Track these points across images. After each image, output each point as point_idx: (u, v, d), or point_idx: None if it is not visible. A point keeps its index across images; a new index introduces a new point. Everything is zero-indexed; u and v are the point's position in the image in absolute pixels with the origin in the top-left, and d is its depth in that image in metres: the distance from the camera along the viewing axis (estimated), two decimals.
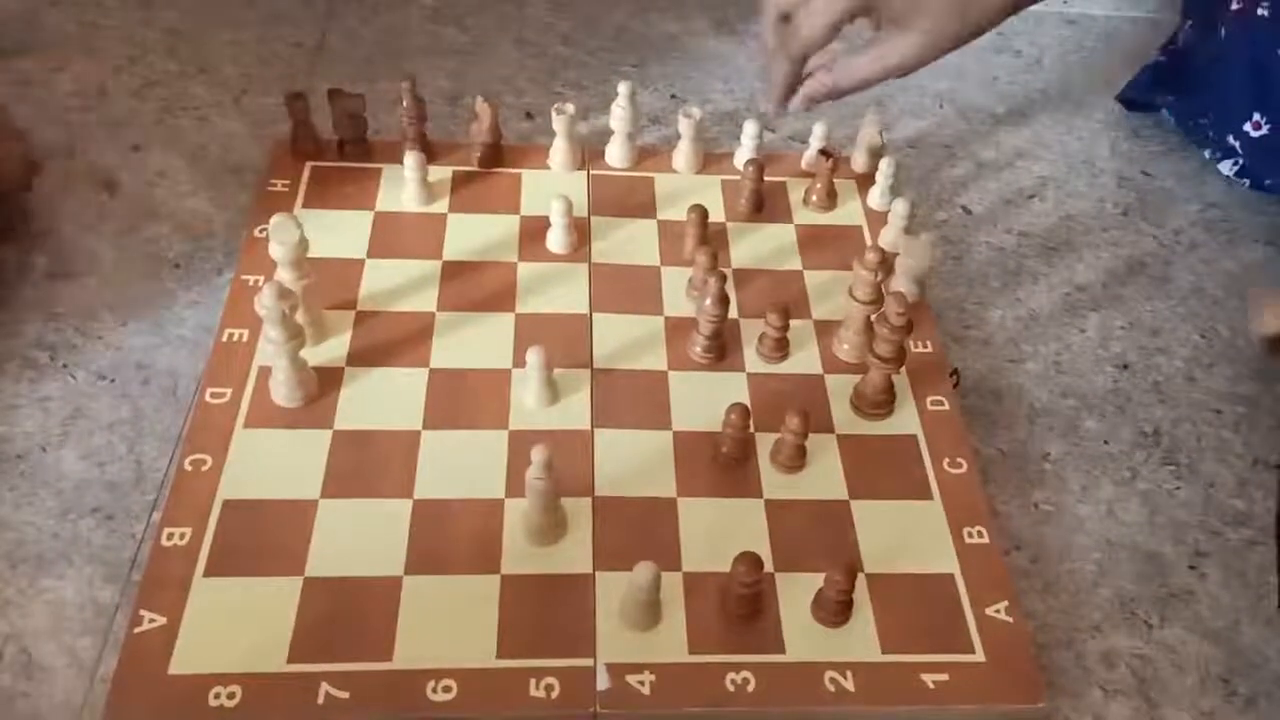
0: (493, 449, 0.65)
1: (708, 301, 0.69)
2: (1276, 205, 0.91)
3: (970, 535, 0.63)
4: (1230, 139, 0.89)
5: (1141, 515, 0.68)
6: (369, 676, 0.54)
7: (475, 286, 0.75)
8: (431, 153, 0.82)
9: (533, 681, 0.54)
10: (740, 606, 0.58)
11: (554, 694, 0.54)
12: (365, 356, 0.69)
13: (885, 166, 0.83)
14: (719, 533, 0.62)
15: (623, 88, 0.81)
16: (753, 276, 0.78)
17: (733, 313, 0.74)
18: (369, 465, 0.63)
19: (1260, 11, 0.84)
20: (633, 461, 0.65)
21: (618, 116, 0.82)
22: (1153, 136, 0.97)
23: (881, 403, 0.69)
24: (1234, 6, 0.86)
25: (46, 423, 0.66)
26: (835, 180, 0.84)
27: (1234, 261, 0.86)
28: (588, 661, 0.56)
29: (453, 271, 0.75)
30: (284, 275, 0.67)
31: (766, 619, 0.58)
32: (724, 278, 0.69)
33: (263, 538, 0.59)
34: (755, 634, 0.58)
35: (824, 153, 0.83)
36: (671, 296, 0.75)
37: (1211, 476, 0.71)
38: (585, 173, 0.84)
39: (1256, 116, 0.86)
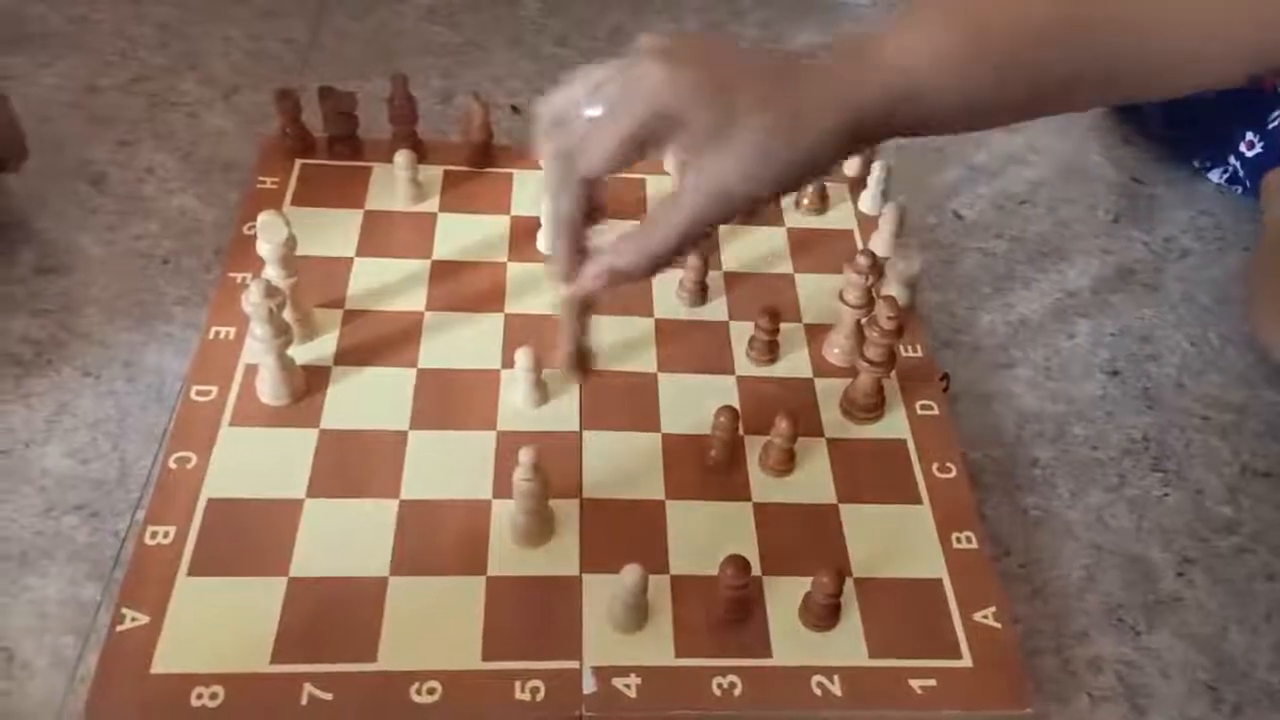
0: (481, 450, 0.64)
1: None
2: None
3: (959, 540, 0.63)
4: (1230, 159, 0.90)
5: (1130, 521, 0.68)
6: (353, 678, 0.54)
7: (465, 286, 0.74)
8: (422, 152, 0.81)
9: (518, 684, 0.54)
10: (728, 610, 0.57)
11: (539, 697, 0.54)
12: (353, 355, 0.69)
13: (877, 171, 0.82)
14: (707, 536, 0.61)
15: None
16: (743, 279, 0.78)
17: (723, 315, 0.74)
18: (355, 465, 0.63)
19: None
20: (621, 464, 0.65)
21: None
22: (1143, 143, 0.98)
23: (871, 407, 0.69)
24: None
25: (31, 419, 0.66)
26: (827, 184, 0.83)
27: (1224, 269, 0.87)
28: (574, 664, 0.55)
29: (442, 271, 0.75)
30: (272, 273, 0.66)
31: (754, 622, 0.58)
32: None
33: (247, 537, 0.59)
34: (742, 637, 0.57)
35: None
36: (662, 298, 0.75)
37: (1200, 483, 0.71)
38: None
39: (1250, 136, 0.87)
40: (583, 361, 0.57)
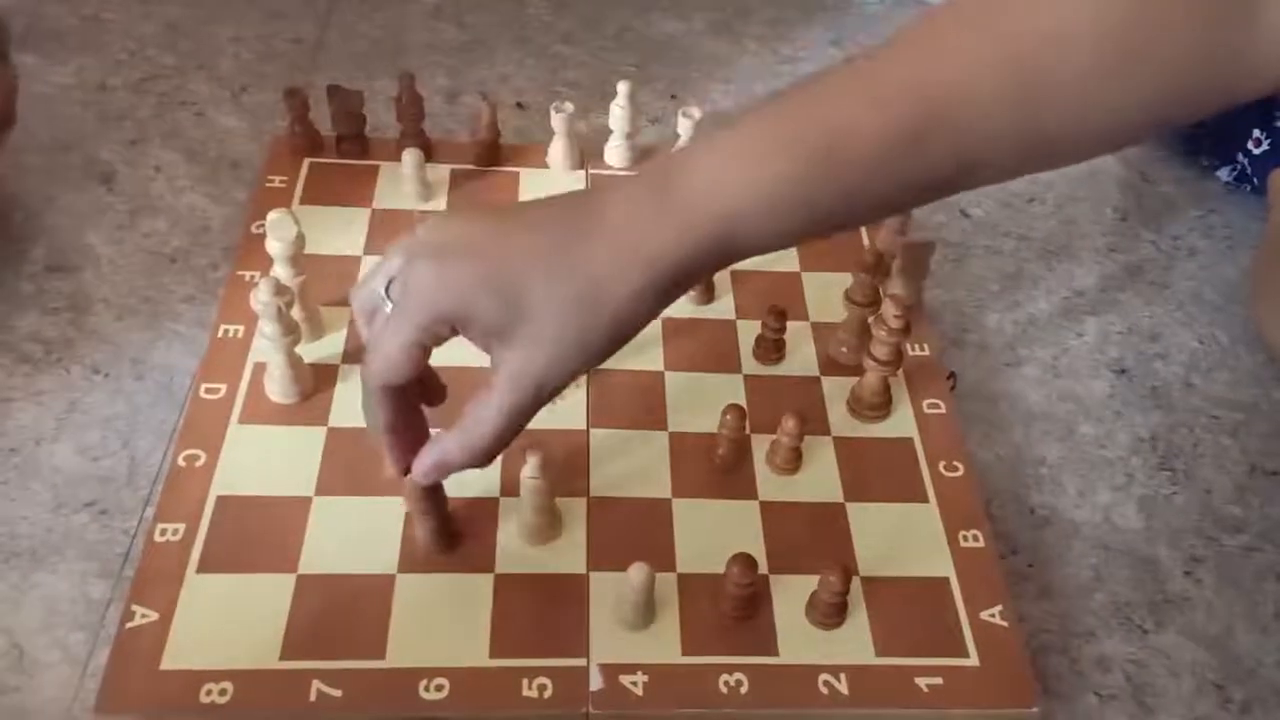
0: None
1: None
2: None
3: (966, 539, 0.63)
4: (1238, 156, 0.89)
5: (1138, 521, 0.68)
6: (361, 674, 0.54)
7: None
8: (430, 150, 0.82)
9: (525, 681, 0.54)
10: (734, 608, 0.57)
11: (547, 694, 0.54)
12: (361, 354, 0.69)
13: None
14: (714, 534, 0.61)
15: (622, 87, 0.81)
16: (750, 278, 0.77)
17: (730, 313, 0.74)
18: (363, 462, 0.63)
19: None
20: (628, 462, 0.65)
21: (617, 116, 0.82)
22: (1152, 141, 0.97)
23: (878, 405, 0.69)
24: None
25: (41, 416, 0.66)
26: None
27: (1233, 268, 0.86)
28: (581, 661, 0.55)
29: None
30: (280, 271, 0.66)
31: (760, 621, 0.58)
32: None
33: (256, 534, 0.59)
34: (749, 635, 0.58)
35: None
36: None
37: (1208, 482, 0.71)
38: (584, 172, 0.84)
39: (1257, 134, 0.87)
40: (446, 536, 0.58)
